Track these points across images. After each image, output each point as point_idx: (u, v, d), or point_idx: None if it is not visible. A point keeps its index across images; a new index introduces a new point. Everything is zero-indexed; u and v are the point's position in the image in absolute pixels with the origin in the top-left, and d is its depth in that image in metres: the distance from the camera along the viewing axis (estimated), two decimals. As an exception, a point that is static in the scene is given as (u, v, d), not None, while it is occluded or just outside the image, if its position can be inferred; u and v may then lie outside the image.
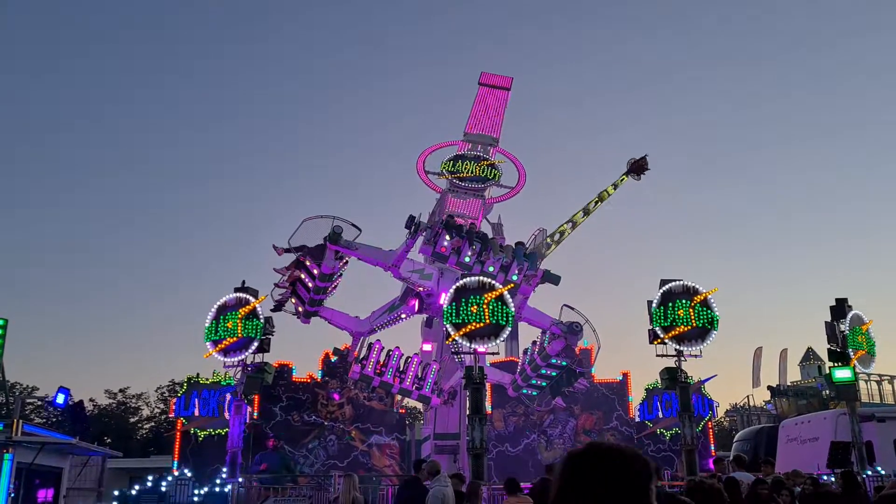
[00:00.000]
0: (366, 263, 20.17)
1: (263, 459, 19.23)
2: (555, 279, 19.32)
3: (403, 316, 22.20)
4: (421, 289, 20.78)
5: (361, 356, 20.58)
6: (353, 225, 18.77)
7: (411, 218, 19.11)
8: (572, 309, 19.68)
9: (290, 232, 18.94)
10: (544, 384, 21.42)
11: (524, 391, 22.58)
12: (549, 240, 27.11)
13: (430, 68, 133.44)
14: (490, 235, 21.28)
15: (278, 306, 19.83)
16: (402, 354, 20.83)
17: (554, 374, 20.63)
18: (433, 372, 20.74)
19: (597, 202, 29.73)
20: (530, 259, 18.93)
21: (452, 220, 20.08)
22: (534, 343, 20.99)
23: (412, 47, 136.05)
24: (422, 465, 12.92)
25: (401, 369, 20.57)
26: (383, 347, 20.55)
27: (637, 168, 30.26)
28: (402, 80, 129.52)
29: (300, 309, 20.08)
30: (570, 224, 28.74)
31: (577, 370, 20.27)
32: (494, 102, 25.69)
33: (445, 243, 18.30)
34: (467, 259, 18.42)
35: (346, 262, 19.70)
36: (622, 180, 30.31)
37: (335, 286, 20.20)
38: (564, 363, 20.11)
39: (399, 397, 24.18)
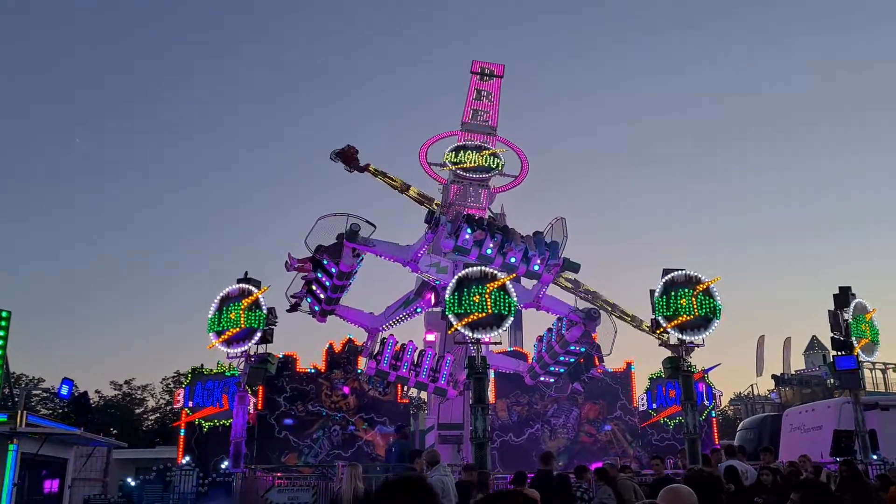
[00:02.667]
0: (384, 259, 20.03)
1: (394, 446, 18.83)
2: (574, 267, 19.26)
3: (419, 310, 22.18)
4: (437, 282, 20.74)
5: (375, 351, 20.54)
6: (368, 221, 18.68)
7: (430, 213, 19.07)
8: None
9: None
10: (562, 371, 21.48)
11: (541, 378, 22.65)
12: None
13: (425, 59, 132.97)
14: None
15: (294, 307, 19.78)
16: (416, 348, 20.81)
17: (572, 360, 20.68)
18: (447, 363, 20.71)
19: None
20: (552, 248, 18.86)
21: (472, 214, 20.07)
22: (549, 331, 20.97)
23: (405, 38, 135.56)
24: (420, 455, 13.03)
25: (415, 363, 20.55)
26: (397, 341, 20.55)
27: (346, 157, 24.93)
28: (397, 72, 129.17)
29: (316, 308, 20.00)
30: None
31: (594, 355, 20.28)
32: (488, 90, 25.56)
33: (467, 236, 18.20)
34: (489, 251, 18.33)
35: (362, 259, 19.63)
36: (381, 176, 25.82)
37: (350, 284, 20.15)
38: (583, 349, 20.14)
39: (414, 391, 24.10)
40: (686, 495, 3.53)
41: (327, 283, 19.17)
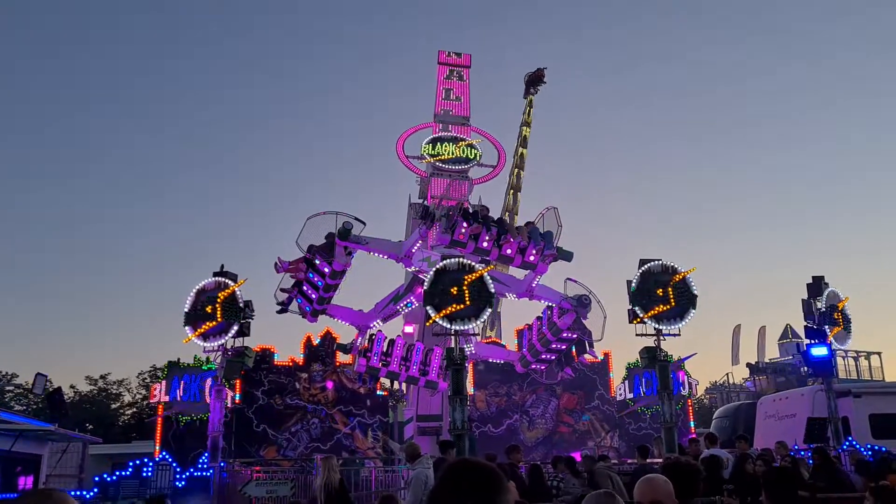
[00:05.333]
0: (376, 256, 19.87)
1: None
2: (567, 256, 19.32)
3: (409, 304, 22.11)
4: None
5: (365, 348, 20.44)
6: (357, 219, 18.56)
7: (426, 208, 18.99)
8: (576, 282, 19.82)
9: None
10: (553, 358, 21.63)
11: (532, 366, 22.82)
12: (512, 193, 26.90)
13: (392, 53, 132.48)
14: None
15: (283, 308, 19.65)
16: (405, 342, 20.77)
17: (564, 347, 20.82)
18: (437, 356, 20.69)
19: (525, 128, 29.91)
20: (546, 238, 18.92)
21: (467, 208, 20.02)
22: (538, 319, 21.07)
23: (372, 30, 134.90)
24: (447, 446, 13.13)
25: (405, 357, 20.49)
26: (385, 337, 20.52)
27: (533, 80, 30.27)
28: (368, 69, 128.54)
29: (307, 309, 19.86)
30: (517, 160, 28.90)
31: (585, 340, 20.42)
32: (458, 79, 25.56)
33: (463, 231, 18.16)
34: (485, 244, 18.30)
35: (353, 256, 19.52)
36: (530, 101, 30.53)
37: (341, 282, 20.01)
38: (575, 335, 20.27)
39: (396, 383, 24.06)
40: (662, 485, 3.53)
41: (319, 283, 19.03)
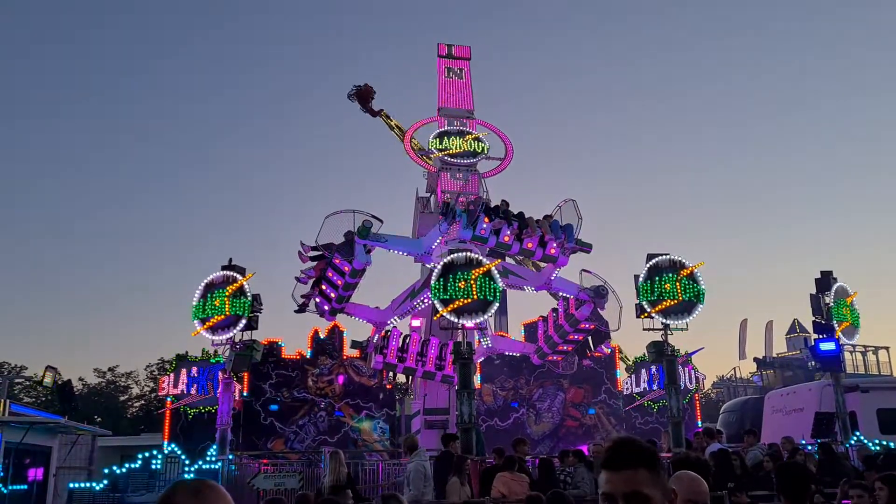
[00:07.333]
0: (396, 253, 19.93)
1: None
2: (587, 247, 19.33)
3: (426, 300, 22.22)
4: None
5: (381, 345, 20.51)
6: (374, 216, 18.58)
7: (446, 205, 19.02)
8: (592, 273, 19.85)
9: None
10: (570, 349, 21.74)
11: (549, 358, 22.93)
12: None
13: (393, 44, 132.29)
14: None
15: (302, 308, 19.69)
16: (421, 338, 20.85)
17: (580, 338, 20.90)
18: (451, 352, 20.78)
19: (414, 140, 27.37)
20: (567, 231, 18.96)
21: (488, 203, 20.14)
22: (554, 311, 21.10)
23: (375, 24, 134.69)
24: (450, 439, 13.19)
25: (420, 353, 20.56)
26: (401, 333, 20.61)
27: (361, 96, 28.09)
28: (369, 61, 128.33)
29: (326, 308, 19.91)
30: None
31: (602, 330, 20.45)
32: (458, 73, 25.49)
33: (485, 226, 18.17)
34: (506, 239, 18.31)
35: (372, 254, 19.58)
36: (385, 115, 28.21)
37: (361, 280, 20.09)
38: (592, 326, 20.33)
39: (402, 377, 24.17)
40: (703, 483, 3.44)
41: (339, 282, 19.07)
